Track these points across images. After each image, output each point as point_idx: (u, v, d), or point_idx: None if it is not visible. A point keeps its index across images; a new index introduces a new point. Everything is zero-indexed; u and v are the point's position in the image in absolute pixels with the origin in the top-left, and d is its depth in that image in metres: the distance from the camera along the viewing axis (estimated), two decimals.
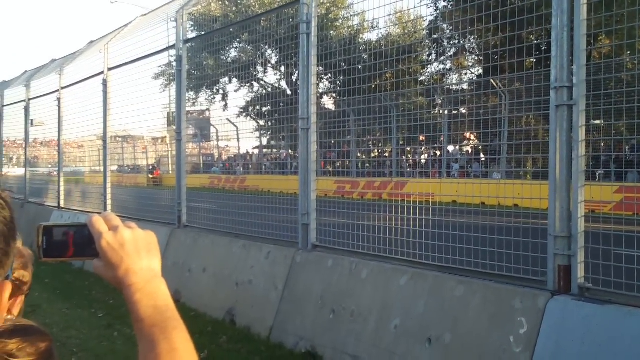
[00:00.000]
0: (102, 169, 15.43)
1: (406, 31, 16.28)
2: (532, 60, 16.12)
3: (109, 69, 14.82)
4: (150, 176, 19.12)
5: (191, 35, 14.10)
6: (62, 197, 18.21)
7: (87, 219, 1.53)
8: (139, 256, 1.49)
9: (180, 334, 1.44)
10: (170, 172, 14.58)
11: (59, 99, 17.82)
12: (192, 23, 16.33)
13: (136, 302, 1.44)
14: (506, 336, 5.59)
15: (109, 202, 14.99)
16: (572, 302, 5.35)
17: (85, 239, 1.51)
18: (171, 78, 13.57)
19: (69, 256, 1.55)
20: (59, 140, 18.21)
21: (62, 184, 18.30)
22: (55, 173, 18.94)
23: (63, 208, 17.86)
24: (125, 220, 1.57)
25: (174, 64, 12.05)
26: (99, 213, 1.59)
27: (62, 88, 17.76)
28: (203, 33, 14.05)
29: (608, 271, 5.36)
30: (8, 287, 1.39)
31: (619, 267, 5.30)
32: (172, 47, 12.12)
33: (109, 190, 15.07)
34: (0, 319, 1.42)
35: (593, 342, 5.03)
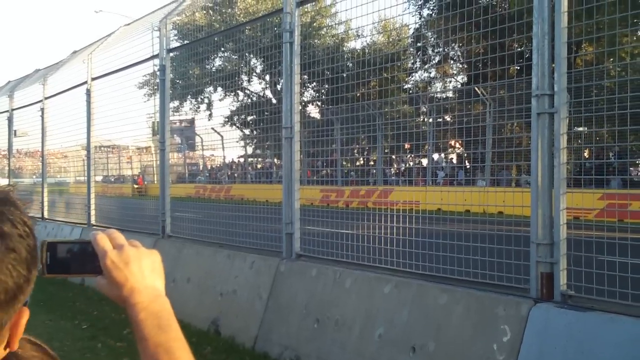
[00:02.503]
0: (86, 179, 15.35)
1: (391, 39, 16.33)
2: (515, 67, 16.19)
3: (93, 79, 14.76)
4: (135, 186, 19.06)
5: (175, 44, 14.07)
6: (45, 208, 18.13)
7: (91, 236, 1.53)
8: (143, 275, 1.50)
9: (185, 354, 1.44)
10: (155, 182, 14.54)
11: (42, 109, 17.75)
12: (176, 32, 16.34)
13: (140, 322, 1.44)
14: (489, 344, 5.59)
15: (92, 212, 14.91)
16: (554, 309, 5.35)
17: (89, 256, 1.51)
18: (155, 87, 13.55)
19: (72, 273, 1.56)
20: (42, 150, 18.13)
21: (45, 194, 18.22)
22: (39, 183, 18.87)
23: (47, 219, 17.77)
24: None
25: (158, 73, 12.02)
26: (102, 230, 1.58)
27: (46, 98, 17.70)
28: (187, 42, 14.03)
29: (590, 278, 5.36)
30: (26, 314, 1.39)
31: (601, 273, 5.30)
32: (156, 56, 12.09)
33: (92, 201, 14.99)
34: (17, 344, 1.40)
35: (576, 349, 5.03)
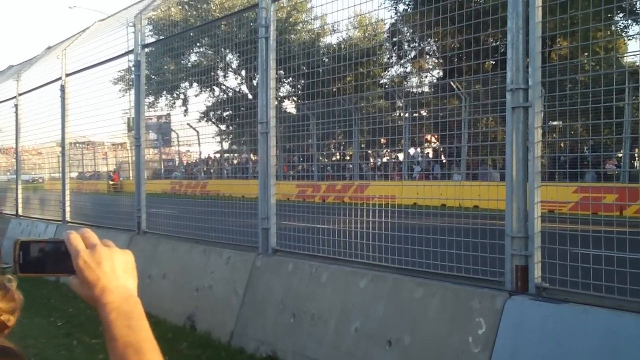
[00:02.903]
0: (61, 175, 15.23)
1: (366, 34, 16.32)
2: (491, 62, 16.26)
3: (67, 75, 14.63)
4: (111, 182, 18.93)
5: (150, 40, 13.99)
6: (20, 205, 17.99)
7: (64, 235, 1.53)
8: (115, 275, 1.50)
9: (154, 355, 1.44)
10: (131, 178, 14.46)
11: (16, 106, 17.60)
12: (151, 28, 16.24)
13: (111, 322, 1.44)
14: (465, 337, 5.61)
15: (67, 209, 14.80)
16: (529, 301, 5.38)
17: (62, 256, 1.52)
18: (130, 83, 13.47)
19: (45, 272, 1.57)
20: (16, 147, 17.98)
21: (20, 191, 18.08)
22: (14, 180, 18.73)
23: (21, 216, 17.63)
24: (85, 227, 1.56)
25: (133, 69, 11.94)
26: (77, 227, 1.58)
27: (20, 94, 17.55)
28: (162, 38, 13.94)
29: (565, 271, 5.40)
30: None
31: (575, 266, 5.34)
32: (131, 52, 12.01)
33: (67, 197, 14.88)
34: None
35: (550, 340, 5.07)
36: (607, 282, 5.09)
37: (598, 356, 4.76)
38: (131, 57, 12.06)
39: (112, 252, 1.52)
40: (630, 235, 5.29)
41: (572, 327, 5.01)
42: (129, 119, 14.43)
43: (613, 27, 12.22)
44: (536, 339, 5.15)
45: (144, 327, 1.46)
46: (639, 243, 5.18)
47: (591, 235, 5.45)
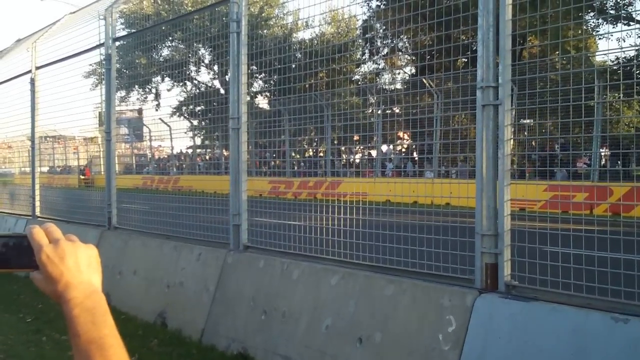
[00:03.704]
0: (30, 170, 15.10)
1: (339, 30, 16.33)
2: (463, 60, 16.32)
3: (37, 68, 14.50)
4: (82, 177, 18.80)
5: (122, 33, 13.88)
6: None
7: (27, 230, 1.51)
8: (79, 270, 1.48)
9: (118, 351, 1.42)
10: (102, 173, 14.36)
11: None
12: (123, 21, 16.11)
13: (74, 317, 1.41)
14: (435, 334, 5.62)
15: (37, 204, 14.67)
16: (498, 299, 5.41)
17: (25, 251, 1.49)
18: (102, 77, 13.37)
19: (9, 267, 1.53)
20: None
21: None
22: None
23: None
24: (54, 222, 1.54)
25: (104, 62, 11.85)
26: (39, 224, 1.55)
27: None
28: (134, 31, 13.85)
29: (534, 269, 5.43)
30: None
31: (544, 264, 5.37)
32: (102, 45, 11.91)
33: (37, 192, 14.74)
34: None
35: (519, 338, 5.10)
36: (575, 280, 5.13)
37: (566, 354, 4.79)
38: (102, 50, 11.97)
39: (76, 247, 1.50)
40: (599, 234, 5.33)
41: (541, 325, 5.04)
42: (100, 113, 14.33)
43: (584, 26, 12.32)
44: (505, 336, 5.18)
45: (108, 323, 1.44)
46: (607, 242, 5.21)
47: (560, 233, 5.48)
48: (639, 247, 4.89)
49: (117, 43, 12.04)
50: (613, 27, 26.07)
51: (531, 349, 5.01)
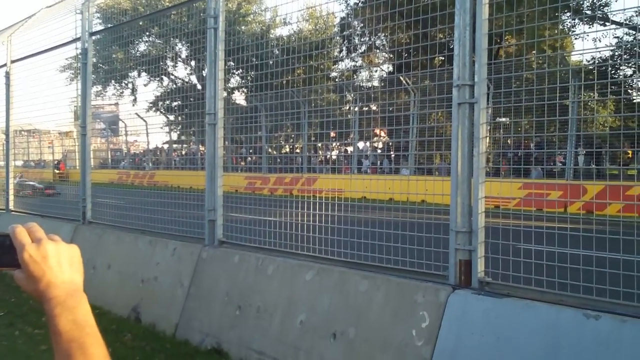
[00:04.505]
0: (5, 163, 14.98)
1: (318, 27, 16.33)
2: (440, 58, 16.38)
3: (13, 61, 14.39)
4: (57, 171, 18.66)
5: (99, 27, 13.80)
6: None
7: (10, 229, 1.52)
8: (61, 270, 1.49)
9: (98, 350, 1.43)
10: (77, 167, 14.27)
11: None
12: (100, 15, 16.02)
13: (55, 316, 1.43)
14: (409, 330, 5.65)
15: (11, 198, 14.56)
16: (472, 295, 5.44)
17: (7, 250, 1.50)
18: (78, 71, 13.29)
19: None
20: None
21: None
22: None
23: None
24: (28, 216, 1.55)
25: (80, 57, 11.78)
26: (20, 218, 1.56)
27: None
28: (110, 26, 13.77)
29: (507, 265, 5.47)
30: None
31: (517, 261, 5.41)
32: (78, 39, 11.84)
33: (11, 186, 14.63)
34: None
35: (492, 334, 5.13)
36: (548, 277, 5.18)
37: (539, 350, 4.84)
38: (78, 44, 11.89)
39: (58, 247, 1.52)
40: (572, 231, 5.37)
41: (513, 322, 5.08)
42: (76, 107, 14.24)
43: (560, 26, 12.39)
44: (478, 332, 5.22)
45: (89, 322, 1.46)
46: (580, 239, 5.26)
47: (534, 231, 5.53)
48: (611, 245, 4.95)
49: (94, 37, 11.96)
50: (589, 27, 26.32)
51: (504, 345, 5.05)
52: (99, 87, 21.67)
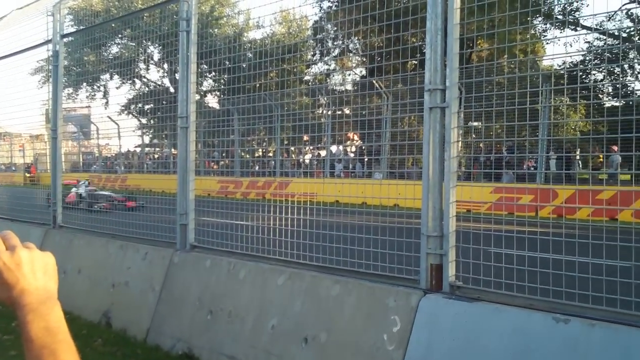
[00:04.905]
0: None
1: (291, 30, 16.33)
2: (413, 62, 16.45)
3: None
4: (27, 175, 18.53)
5: (71, 30, 13.69)
6: None
7: None
8: (34, 277, 1.48)
9: (70, 357, 1.43)
10: (48, 171, 14.16)
11: None
12: (72, 17, 15.90)
13: (28, 323, 1.42)
14: (380, 334, 5.65)
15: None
16: (443, 300, 5.46)
17: None
18: (49, 74, 13.19)
19: None
20: None
21: None
22: None
23: None
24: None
25: (51, 59, 11.69)
26: None
27: None
28: (82, 28, 13.67)
29: (478, 269, 5.49)
30: None
31: (488, 265, 5.44)
32: (49, 42, 11.75)
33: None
34: None
35: (463, 338, 5.15)
36: (518, 281, 5.21)
37: (509, 353, 4.86)
38: (50, 47, 11.81)
39: (33, 254, 1.51)
40: (542, 235, 5.41)
41: (484, 325, 5.10)
42: (47, 110, 14.14)
43: (532, 31, 12.48)
44: (449, 336, 5.24)
45: (61, 329, 1.46)
46: (550, 243, 5.30)
47: (504, 235, 5.56)
48: (580, 249, 4.98)
49: (65, 40, 11.89)
50: (560, 32, 26.52)
51: (474, 349, 5.07)
52: (71, 90, 21.46)
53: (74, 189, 14.14)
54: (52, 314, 1.46)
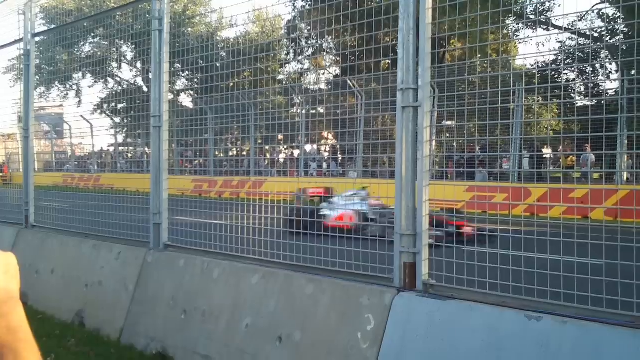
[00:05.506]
0: None
1: (265, 30, 16.33)
2: (387, 61, 16.50)
3: None
4: None
5: (43, 28, 13.60)
6: None
7: None
8: None
9: (32, 356, 1.43)
10: (20, 170, 14.05)
11: None
12: (43, 16, 15.80)
13: None
14: (354, 333, 5.67)
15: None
16: (416, 298, 5.48)
17: None
18: (21, 73, 13.10)
19: None
20: None
21: None
22: None
23: None
24: None
25: (22, 58, 11.60)
26: None
27: None
28: (54, 27, 13.58)
29: (451, 268, 5.52)
30: None
31: (461, 263, 5.47)
32: (20, 40, 11.65)
33: None
34: None
35: (436, 336, 5.18)
36: (491, 279, 5.24)
37: (482, 351, 4.90)
38: (21, 45, 11.71)
39: None
40: (514, 233, 5.45)
41: (457, 323, 5.14)
42: (19, 109, 14.03)
43: (505, 31, 12.56)
44: (423, 334, 5.26)
45: (23, 328, 1.45)
46: (522, 242, 5.34)
47: (477, 233, 5.60)
48: (552, 247, 5.03)
49: (37, 39, 11.79)
50: (532, 32, 26.74)
51: (448, 347, 5.10)
52: (43, 89, 21.30)
53: None
54: (13, 313, 1.45)
